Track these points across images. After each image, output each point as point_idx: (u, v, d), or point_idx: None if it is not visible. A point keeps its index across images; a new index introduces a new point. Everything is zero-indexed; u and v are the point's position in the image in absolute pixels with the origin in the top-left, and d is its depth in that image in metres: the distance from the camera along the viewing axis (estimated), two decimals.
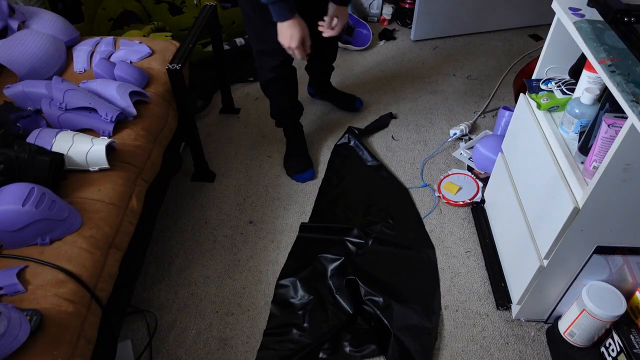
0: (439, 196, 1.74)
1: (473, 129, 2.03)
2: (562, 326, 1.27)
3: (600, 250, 1.12)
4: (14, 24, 1.48)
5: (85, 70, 1.54)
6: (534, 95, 1.28)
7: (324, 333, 1.32)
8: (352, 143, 1.94)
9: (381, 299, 1.37)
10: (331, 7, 1.53)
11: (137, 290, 1.45)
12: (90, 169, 1.21)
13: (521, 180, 1.36)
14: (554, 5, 1.16)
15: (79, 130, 1.30)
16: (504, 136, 1.50)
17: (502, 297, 1.40)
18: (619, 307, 1.14)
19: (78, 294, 0.99)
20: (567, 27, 1.10)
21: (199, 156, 1.76)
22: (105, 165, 1.21)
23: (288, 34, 1.35)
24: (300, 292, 1.42)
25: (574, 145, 1.14)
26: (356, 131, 1.98)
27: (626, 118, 0.88)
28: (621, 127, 0.90)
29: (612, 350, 1.18)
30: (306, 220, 1.66)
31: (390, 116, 2.08)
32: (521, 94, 1.35)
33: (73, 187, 1.18)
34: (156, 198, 1.47)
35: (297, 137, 1.88)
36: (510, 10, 2.62)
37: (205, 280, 1.49)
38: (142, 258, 1.42)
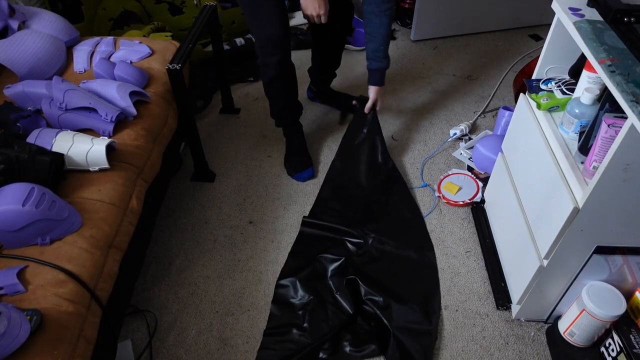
0: (439, 196, 1.74)
1: (473, 129, 2.03)
2: (562, 326, 1.27)
3: (600, 250, 1.12)
4: (14, 24, 1.48)
5: (85, 70, 1.54)
6: (534, 95, 1.28)
7: (324, 333, 1.31)
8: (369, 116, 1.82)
9: (381, 299, 1.37)
10: (371, 90, 1.72)
11: (137, 290, 1.45)
12: (91, 169, 1.21)
13: (521, 180, 1.36)
14: (554, 5, 1.16)
15: (79, 130, 1.30)
16: (504, 136, 1.50)
17: (502, 297, 1.40)
18: (619, 307, 1.14)
19: (78, 294, 0.99)
20: (567, 27, 1.10)
21: (199, 156, 1.76)
22: (106, 165, 1.21)
23: (315, 3, 1.45)
24: (300, 292, 1.42)
25: (574, 145, 1.14)
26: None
27: (626, 118, 0.88)
28: (621, 127, 0.90)
29: (612, 350, 1.18)
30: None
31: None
32: (521, 94, 1.35)
33: (73, 187, 1.18)
34: (156, 198, 1.47)
35: (297, 136, 1.88)
36: (510, 10, 2.62)
37: (205, 280, 1.49)
38: (142, 258, 1.42)
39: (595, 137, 1.02)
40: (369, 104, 1.75)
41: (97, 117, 1.31)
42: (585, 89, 1.10)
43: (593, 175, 0.99)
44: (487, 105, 2.17)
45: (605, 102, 1.02)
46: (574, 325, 1.22)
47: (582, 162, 1.08)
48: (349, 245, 1.55)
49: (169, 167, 1.59)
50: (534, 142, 1.25)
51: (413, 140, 1.99)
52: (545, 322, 1.36)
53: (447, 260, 1.53)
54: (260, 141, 2.00)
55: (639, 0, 1.02)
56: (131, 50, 1.60)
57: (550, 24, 1.25)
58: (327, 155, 1.92)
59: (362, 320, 1.36)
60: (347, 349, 1.30)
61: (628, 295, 1.18)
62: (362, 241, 1.55)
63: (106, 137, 1.26)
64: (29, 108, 1.33)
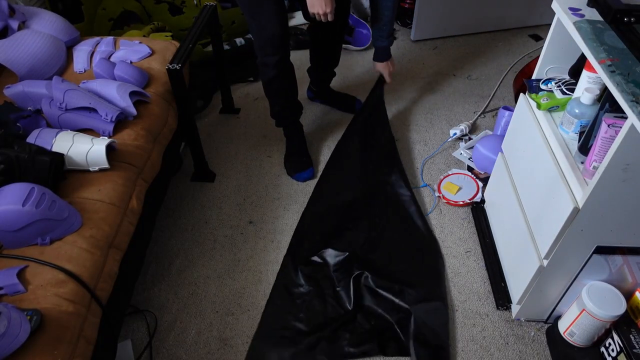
0: (439, 196, 1.74)
1: (473, 129, 2.03)
2: (562, 326, 1.27)
3: (600, 250, 1.12)
4: (14, 24, 1.48)
5: (85, 70, 1.54)
6: (534, 95, 1.28)
7: (320, 323, 1.34)
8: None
9: (395, 285, 1.40)
10: (375, 65, 1.83)
11: (137, 290, 1.45)
12: (91, 169, 1.21)
13: (521, 180, 1.36)
14: (554, 5, 1.16)
15: (79, 130, 1.30)
16: (504, 136, 1.50)
17: (502, 297, 1.40)
18: (619, 307, 1.14)
19: (78, 294, 0.99)
20: (567, 27, 1.10)
21: (199, 156, 1.76)
22: (106, 165, 1.21)
23: (322, 1, 1.44)
24: (301, 282, 1.44)
25: (574, 145, 1.14)
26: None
27: (626, 118, 0.88)
28: (621, 127, 0.90)
29: (612, 350, 1.18)
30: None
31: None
32: (521, 94, 1.35)
33: (73, 187, 1.18)
34: (156, 198, 1.47)
35: (297, 136, 1.88)
36: (510, 11, 2.62)
37: (205, 280, 1.49)
38: (142, 258, 1.42)
39: (595, 137, 1.02)
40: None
41: (97, 117, 1.31)
42: (585, 89, 1.10)
43: (593, 175, 0.99)
44: (487, 105, 2.17)
45: (605, 102, 1.02)
46: (574, 325, 1.22)
47: (582, 162, 1.08)
48: (352, 239, 1.55)
49: (169, 167, 1.59)
50: (534, 142, 1.25)
51: (413, 140, 1.99)
52: (545, 322, 1.36)
53: (447, 260, 1.53)
54: (260, 141, 2.00)
55: (639, 0, 1.02)
56: (131, 50, 1.60)
57: (550, 24, 1.25)
58: (327, 155, 1.92)
59: (362, 319, 1.36)
60: (347, 348, 1.30)
61: (628, 295, 1.18)
62: (365, 235, 1.55)
63: (106, 137, 1.26)
64: (29, 108, 1.33)
